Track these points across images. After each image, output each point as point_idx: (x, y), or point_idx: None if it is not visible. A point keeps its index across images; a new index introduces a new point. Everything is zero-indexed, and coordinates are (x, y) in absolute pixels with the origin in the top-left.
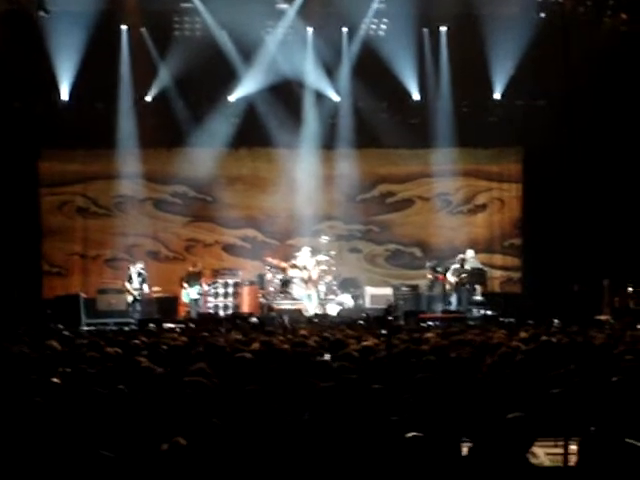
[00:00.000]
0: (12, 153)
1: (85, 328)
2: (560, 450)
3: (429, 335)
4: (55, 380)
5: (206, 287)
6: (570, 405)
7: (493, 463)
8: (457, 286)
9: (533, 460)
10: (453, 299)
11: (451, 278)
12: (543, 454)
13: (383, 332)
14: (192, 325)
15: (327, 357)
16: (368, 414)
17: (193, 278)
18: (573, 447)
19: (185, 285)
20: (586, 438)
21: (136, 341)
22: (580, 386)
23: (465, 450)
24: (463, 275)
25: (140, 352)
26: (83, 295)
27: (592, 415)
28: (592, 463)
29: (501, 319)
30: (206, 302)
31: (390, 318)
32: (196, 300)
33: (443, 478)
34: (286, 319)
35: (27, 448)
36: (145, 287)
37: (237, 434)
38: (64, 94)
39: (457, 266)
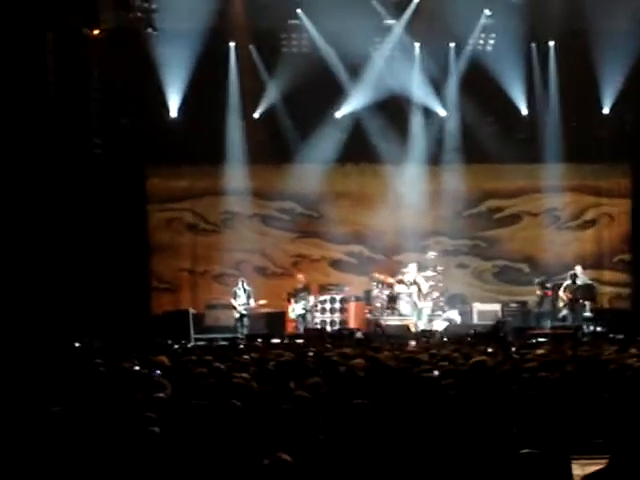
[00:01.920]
0: (120, 170)
1: (194, 343)
2: None
3: (538, 351)
4: (161, 395)
5: (312, 302)
6: None
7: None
8: (570, 302)
9: None
10: (567, 315)
11: (563, 295)
12: None
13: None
14: (299, 341)
15: (436, 373)
16: (477, 429)
17: (299, 294)
18: None
19: (292, 301)
20: None
21: (245, 356)
22: None
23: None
24: (576, 290)
25: (247, 368)
26: (192, 311)
27: None
28: None
29: (611, 335)
30: (313, 317)
31: (501, 334)
32: (303, 315)
33: None
34: None
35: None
36: (252, 301)
37: (344, 450)
38: (172, 111)
39: (569, 282)
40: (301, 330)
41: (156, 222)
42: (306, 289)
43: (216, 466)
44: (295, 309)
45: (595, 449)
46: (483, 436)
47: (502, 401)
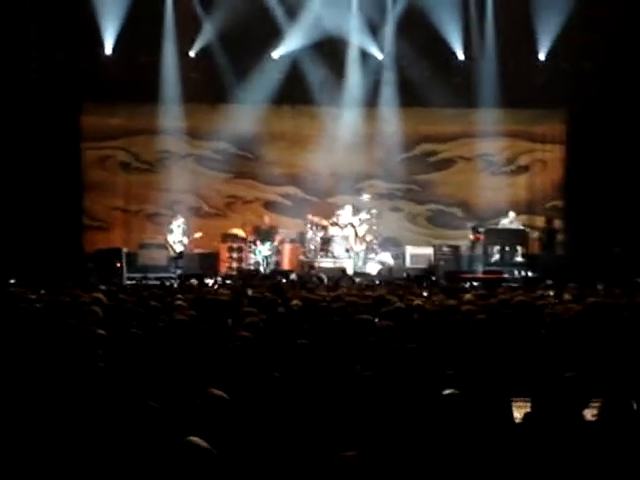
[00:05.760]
0: (55, 106)
1: (127, 282)
2: None
3: (470, 295)
4: (101, 332)
5: (277, 244)
6: (618, 366)
7: (550, 421)
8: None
9: None
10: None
11: None
12: (590, 414)
13: None
14: (231, 281)
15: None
16: (413, 371)
17: (264, 234)
18: None
19: (257, 242)
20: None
21: (179, 296)
22: (629, 347)
23: (515, 409)
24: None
25: (184, 307)
26: (125, 250)
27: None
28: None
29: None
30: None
31: (433, 278)
32: (267, 257)
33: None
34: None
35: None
36: (185, 239)
37: (287, 387)
38: (108, 48)
39: None
40: (267, 272)
41: (90, 160)
42: (272, 230)
43: (157, 401)
44: (262, 250)
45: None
46: (419, 376)
47: (435, 343)
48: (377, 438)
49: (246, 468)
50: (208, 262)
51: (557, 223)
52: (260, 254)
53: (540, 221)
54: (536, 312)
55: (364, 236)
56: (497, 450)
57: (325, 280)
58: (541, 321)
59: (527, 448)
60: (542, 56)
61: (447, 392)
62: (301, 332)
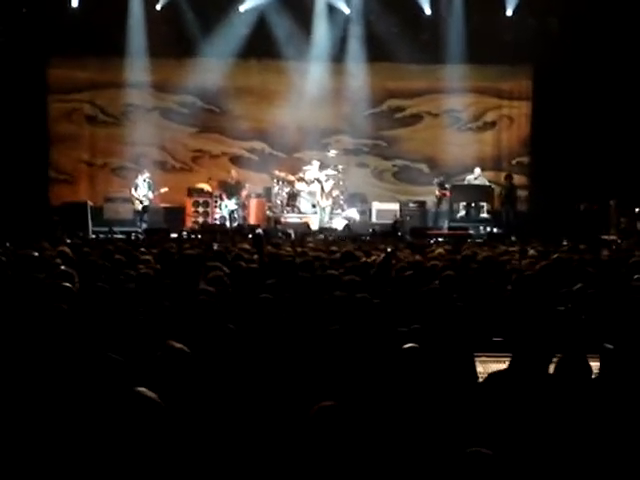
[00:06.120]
0: (21, 60)
1: (92, 236)
2: None
3: (438, 251)
4: (67, 284)
5: (243, 198)
6: (581, 321)
7: (513, 376)
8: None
9: None
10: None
11: None
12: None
13: None
14: (198, 236)
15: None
16: (378, 325)
17: (230, 189)
18: None
19: (223, 196)
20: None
21: (143, 249)
22: (592, 302)
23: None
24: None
25: (150, 260)
26: (90, 203)
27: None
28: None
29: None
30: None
31: (399, 234)
32: (233, 212)
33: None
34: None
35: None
36: (150, 194)
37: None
38: (74, 1)
39: None
40: (236, 226)
41: (56, 113)
42: (238, 185)
43: (120, 354)
44: (228, 205)
45: (495, 347)
46: (384, 330)
47: (404, 299)
48: (343, 391)
49: (204, 422)
50: (173, 216)
51: (517, 179)
52: (226, 209)
53: None
54: (500, 268)
55: (330, 191)
56: (459, 403)
57: (292, 235)
58: (505, 276)
59: (489, 401)
60: (509, 12)
61: (407, 346)
62: (266, 287)
